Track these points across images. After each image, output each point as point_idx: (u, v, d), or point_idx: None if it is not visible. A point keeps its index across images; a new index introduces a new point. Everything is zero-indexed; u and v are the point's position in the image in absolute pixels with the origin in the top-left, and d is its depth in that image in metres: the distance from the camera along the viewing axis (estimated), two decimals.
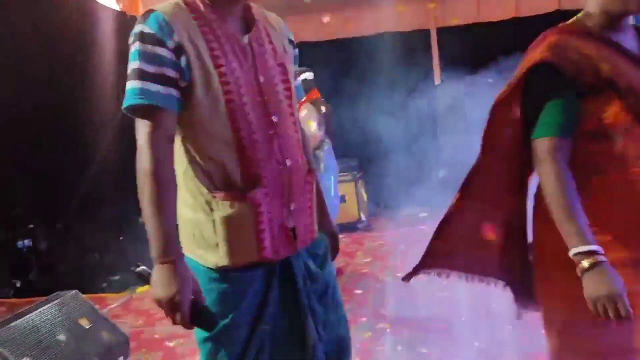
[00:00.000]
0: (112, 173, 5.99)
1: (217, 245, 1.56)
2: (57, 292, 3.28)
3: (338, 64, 8.20)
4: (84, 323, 3.10)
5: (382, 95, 8.36)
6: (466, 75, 7.82)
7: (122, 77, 1.56)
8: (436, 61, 8.72)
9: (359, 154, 8.48)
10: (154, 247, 1.43)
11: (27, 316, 2.90)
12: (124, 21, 5.86)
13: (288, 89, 1.68)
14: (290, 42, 1.78)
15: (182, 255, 1.47)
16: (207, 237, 1.57)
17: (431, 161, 8.28)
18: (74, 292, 3.31)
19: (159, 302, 1.42)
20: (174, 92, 1.49)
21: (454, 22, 8.37)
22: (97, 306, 3.52)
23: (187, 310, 1.40)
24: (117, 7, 5.68)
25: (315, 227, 1.75)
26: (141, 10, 5.87)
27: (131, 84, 1.48)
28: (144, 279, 1.47)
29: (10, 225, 6.05)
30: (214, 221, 1.55)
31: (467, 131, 7.46)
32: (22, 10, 5.50)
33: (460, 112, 8.08)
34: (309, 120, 4.56)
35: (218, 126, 1.53)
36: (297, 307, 1.63)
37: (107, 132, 6.27)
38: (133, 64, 1.49)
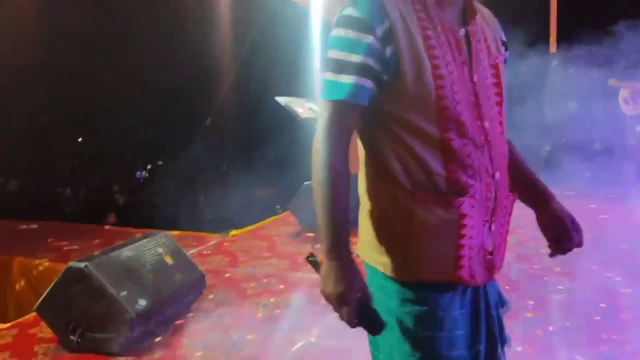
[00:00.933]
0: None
1: (407, 253, 1.43)
2: (151, 232, 3.92)
3: None
4: (168, 260, 3.70)
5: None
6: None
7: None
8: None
9: None
10: (325, 242, 1.38)
11: (123, 249, 3.54)
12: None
13: (499, 94, 1.51)
14: (503, 43, 1.61)
15: (351, 253, 1.40)
16: (396, 243, 1.44)
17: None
18: (164, 232, 3.92)
19: (327, 297, 1.37)
20: (369, 84, 1.37)
21: None
22: (194, 243, 4.10)
23: (354, 308, 1.34)
24: None
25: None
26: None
27: (327, 75, 1.40)
28: (317, 269, 1.43)
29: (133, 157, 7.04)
30: (408, 224, 1.41)
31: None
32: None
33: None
34: None
35: (425, 124, 1.39)
36: (491, 339, 1.51)
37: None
38: (332, 53, 1.40)
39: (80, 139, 8.19)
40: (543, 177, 1.71)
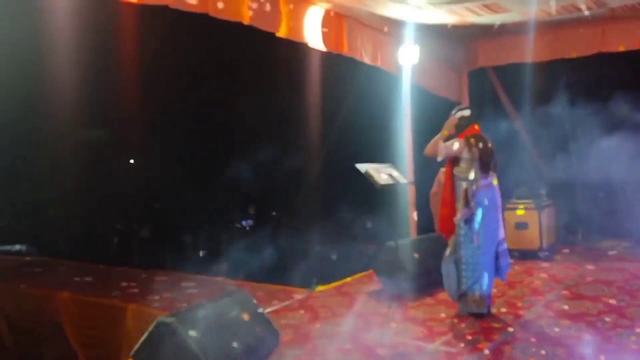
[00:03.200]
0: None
1: None
2: (232, 290, 4.43)
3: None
4: (245, 317, 4.16)
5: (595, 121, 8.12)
6: None
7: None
8: None
9: (556, 182, 8.40)
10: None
11: (208, 306, 4.06)
12: (331, 60, 7.01)
13: None
14: None
15: None
16: None
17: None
18: (244, 290, 4.41)
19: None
20: None
21: None
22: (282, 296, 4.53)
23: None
24: (323, 48, 6.70)
25: None
26: (347, 50, 6.87)
27: None
28: None
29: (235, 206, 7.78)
30: None
31: None
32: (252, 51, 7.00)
33: None
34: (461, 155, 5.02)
35: None
36: None
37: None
38: None
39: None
40: None
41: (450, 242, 5.22)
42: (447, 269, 5.21)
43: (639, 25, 7.87)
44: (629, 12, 7.58)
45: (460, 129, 5.21)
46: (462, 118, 5.22)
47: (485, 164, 5.06)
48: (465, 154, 5.06)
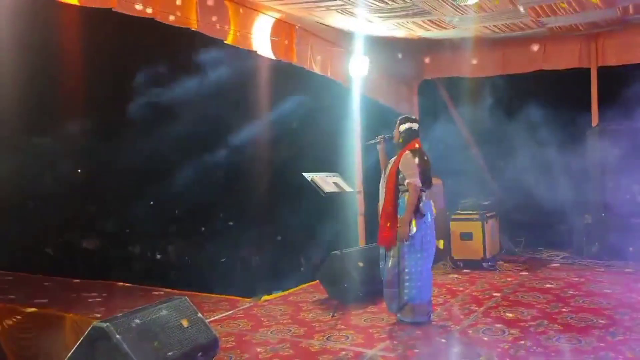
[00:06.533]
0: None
1: None
2: (173, 297, 4.38)
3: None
4: (184, 323, 4.11)
5: (535, 135, 8.42)
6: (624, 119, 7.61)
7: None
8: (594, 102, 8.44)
9: (502, 194, 8.65)
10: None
11: (145, 311, 3.99)
12: (280, 68, 7.04)
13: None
14: None
15: None
16: None
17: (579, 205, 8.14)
18: (184, 297, 4.36)
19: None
20: None
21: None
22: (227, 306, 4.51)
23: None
24: (272, 56, 6.73)
25: None
26: (296, 59, 6.92)
27: None
28: None
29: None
30: None
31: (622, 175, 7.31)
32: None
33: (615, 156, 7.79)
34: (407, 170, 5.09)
35: None
36: None
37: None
38: None
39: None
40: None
41: (393, 253, 5.22)
42: (390, 281, 5.20)
43: (576, 44, 8.25)
44: (567, 32, 7.94)
45: (405, 141, 5.29)
46: (409, 130, 5.30)
47: (427, 178, 5.18)
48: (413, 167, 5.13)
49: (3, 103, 7.65)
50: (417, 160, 5.13)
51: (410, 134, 5.28)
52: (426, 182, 5.17)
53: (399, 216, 5.12)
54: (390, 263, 5.20)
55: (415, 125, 5.33)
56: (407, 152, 5.19)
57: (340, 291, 5.91)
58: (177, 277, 6.88)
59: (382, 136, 5.51)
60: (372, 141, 5.58)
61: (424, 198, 5.15)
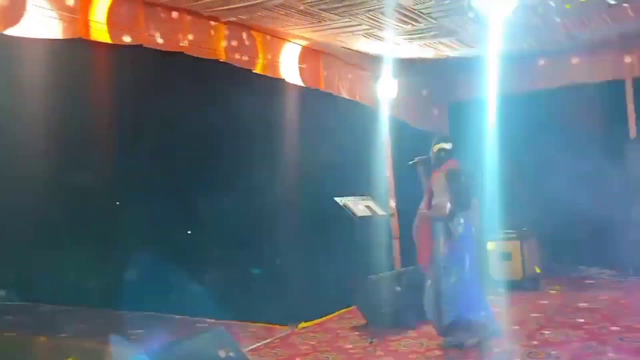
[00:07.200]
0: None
1: None
2: (211, 328, 4.37)
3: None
4: (222, 354, 4.07)
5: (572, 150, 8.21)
6: None
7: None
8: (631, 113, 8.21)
9: (541, 211, 8.43)
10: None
11: (185, 342, 3.99)
12: (308, 95, 7.09)
13: None
14: None
15: None
16: None
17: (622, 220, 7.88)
18: (221, 328, 4.35)
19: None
20: None
21: None
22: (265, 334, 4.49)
23: None
24: (301, 83, 6.78)
25: None
26: (324, 85, 6.96)
27: None
28: None
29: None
30: None
31: None
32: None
33: None
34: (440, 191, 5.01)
35: None
36: None
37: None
38: None
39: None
40: None
41: (430, 273, 5.16)
42: (428, 301, 5.16)
43: (610, 56, 8.08)
44: (600, 45, 7.79)
45: (440, 161, 5.21)
46: (442, 150, 5.23)
47: (463, 199, 5.07)
48: (444, 188, 5.05)
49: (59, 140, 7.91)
50: (447, 181, 5.03)
51: (443, 155, 5.20)
52: (462, 203, 5.07)
53: (434, 239, 5.06)
54: (427, 283, 5.15)
55: (448, 145, 5.25)
56: (439, 173, 5.11)
57: (378, 316, 5.81)
58: (217, 306, 6.86)
59: (419, 158, 5.42)
60: (411, 162, 5.49)
61: (461, 220, 5.05)
